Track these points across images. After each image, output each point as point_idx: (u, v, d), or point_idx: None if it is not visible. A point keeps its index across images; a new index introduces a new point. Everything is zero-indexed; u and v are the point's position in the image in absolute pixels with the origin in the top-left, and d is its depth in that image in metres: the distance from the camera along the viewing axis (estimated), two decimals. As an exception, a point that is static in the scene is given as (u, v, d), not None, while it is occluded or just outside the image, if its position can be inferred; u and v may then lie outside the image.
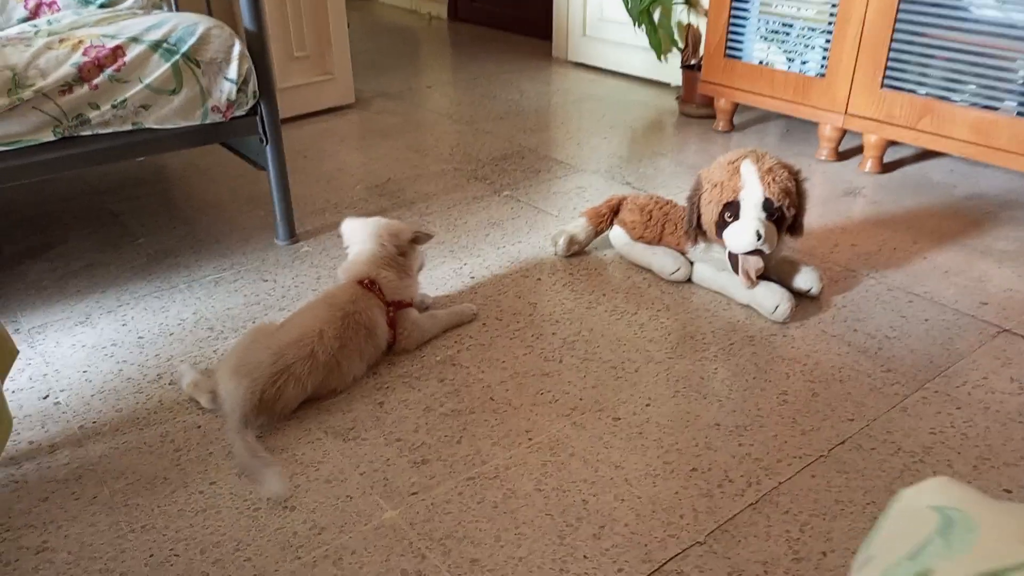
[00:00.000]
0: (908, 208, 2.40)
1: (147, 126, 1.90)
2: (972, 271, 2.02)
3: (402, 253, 1.71)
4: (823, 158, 2.77)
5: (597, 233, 2.12)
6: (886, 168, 2.69)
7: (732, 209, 1.77)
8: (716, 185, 1.79)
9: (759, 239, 1.72)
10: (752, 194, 1.74)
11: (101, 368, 1.67)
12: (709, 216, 1.81)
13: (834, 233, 2.23)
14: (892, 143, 2.64)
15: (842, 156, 2.80)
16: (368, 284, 1.64)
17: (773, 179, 1.74)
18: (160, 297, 1.94)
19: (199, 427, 1.49)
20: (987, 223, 2.29)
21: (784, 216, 1.77)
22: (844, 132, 2.70)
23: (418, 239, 1.74)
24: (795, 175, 1.79)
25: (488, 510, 1.29)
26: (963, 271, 2.03)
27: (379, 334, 1.63)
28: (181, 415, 1.52)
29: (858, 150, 2.84)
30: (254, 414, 1.42)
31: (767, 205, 1.74)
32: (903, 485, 1.33)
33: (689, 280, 1.97)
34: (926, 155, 2.82)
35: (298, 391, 1.48)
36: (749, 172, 1.76)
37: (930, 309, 1.86)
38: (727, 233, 1.78)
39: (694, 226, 1.86)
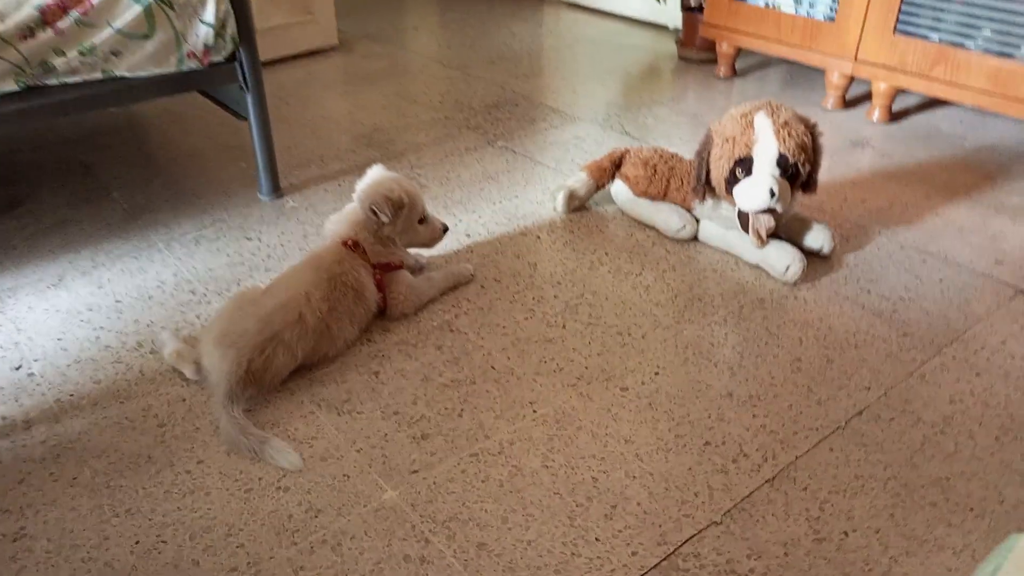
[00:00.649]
0: (918, 160, 2.31)
1: (118, 74, 1.76)
2: (986, 228, 1.95)
3: (388, 221, 1.57)
4: (829, 107, 2.67)
5: (598, 188, 2.03)
6: (894, 117, 2.59)
7: (744, 165, 1.67)
8: (728, 139, 1.69)
9: (773, 197, 1.63)
10: (766, 150, 1.65)
11: (77, 335, 1.57)
12: (719, 172, 1.72)
13: (843, 187, 2.15)
14: (902, 91, 2.54)
15: (849, 104, 2.70)
16: (352, 245, 1.55)
17: (789, 133, 1.65)
18: (138, 257, 1.83)
19: (184, 400, 1.41)
20: (1000, 177, 2.22)
21: (799, 173, 1.68)
22: (852, 79, 2.59)
23: (425, 220, 1.66)
24: (811, 129, 1.70)
25: (494, 489, 1.23)
26: (977, 228, 1.95)
27: (368, 296, 1.54)
28: (164, 387, 1.44)
29: (864, 98, 2.74)
30: (241, 387, 1.34)
31: (782, 161, 1.65)
32: (924, 458, 1.28)
33: (695, 238, 1.89)
34: (933, 103, 2.72)
35: (288, 359, 1.40)
36: (763, 126, 1.66)
37: (944, 268, 1.79)
38: (738, 190, 1.69)
39: (702, 182, 1.77)
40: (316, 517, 1.18)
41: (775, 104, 1.69)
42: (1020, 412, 1.38)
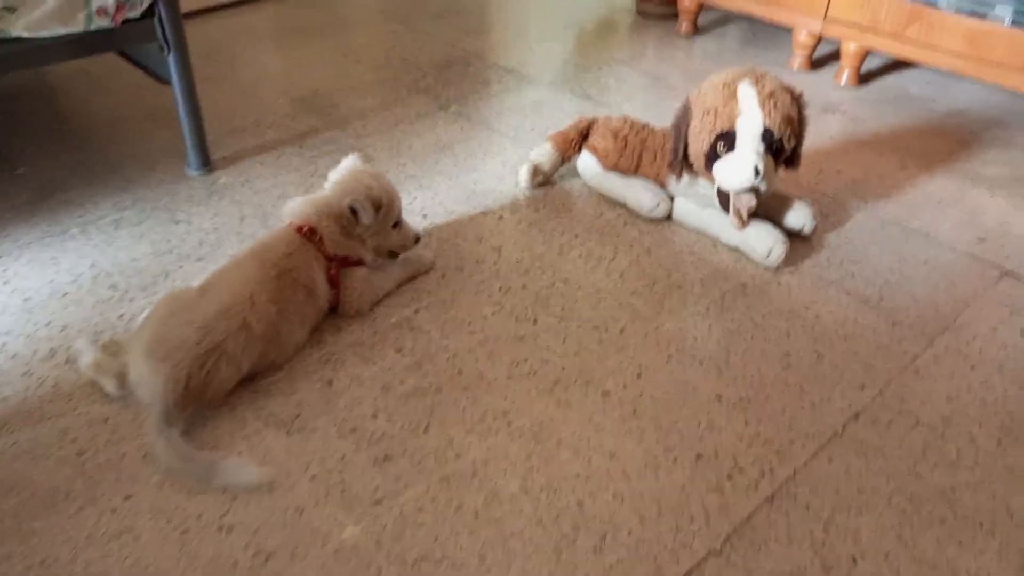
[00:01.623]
0: (890, 126, 2.22)
1: (15, 35, 1.52)
2: (965, 201, 1.88)
3: (370, 223, 1.42)
4: (796, 68, 2.55)
5: (563, 161, 1.87)
6: (862, 80, 2.49)
7: (726, 140, 1.54)
8: (708, 111, 1.55)
9: (757, 176, 1.51)
10: (751, 123, 1.52)
11: (-21, 342, 1.37)
12: (698, 147, 1.59)
13: (817, 156, 2.04)
14: (871, 52, 2.43)
15: (815, 65, 2.58)
16: (308, 232, 1.37)
17: (775, 105, 1.52)
18: (49, 245, 1.61)
19: (106, 420, 1.23)
20: (973, 144, 2.14)
21: (784, 148, 1.56)
22: (820, 39, 2.47)
23: (398, 225, 1.49)
24: (797, 99, 1.57)
25: (468, 520, 1.09)
26: (956, 201, 1.88)
27: (320, 295, 1.37)
28: (83, 404, 1.25)
29: (831, 58, 2.63)
30: (179, 408, 1.17)
31: (767, 136, 1.52)
32: (927, 467, 1.20)
33: (669, 217, 1.76)
34: (900, 64, 2.63)
35: (231, 372, 1.23)
36: (748, 97, 1.52)
37: (928, 248, 1.71)
38: (719, 167, 1.56)
39: (679, 158, 1.63)
40: (266, 562, 1.03)
41: (759, 72, 1.56)
42: (1019, 410, 1.31)
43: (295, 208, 1.42)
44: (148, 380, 1.18)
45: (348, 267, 1.40)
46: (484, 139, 2.07)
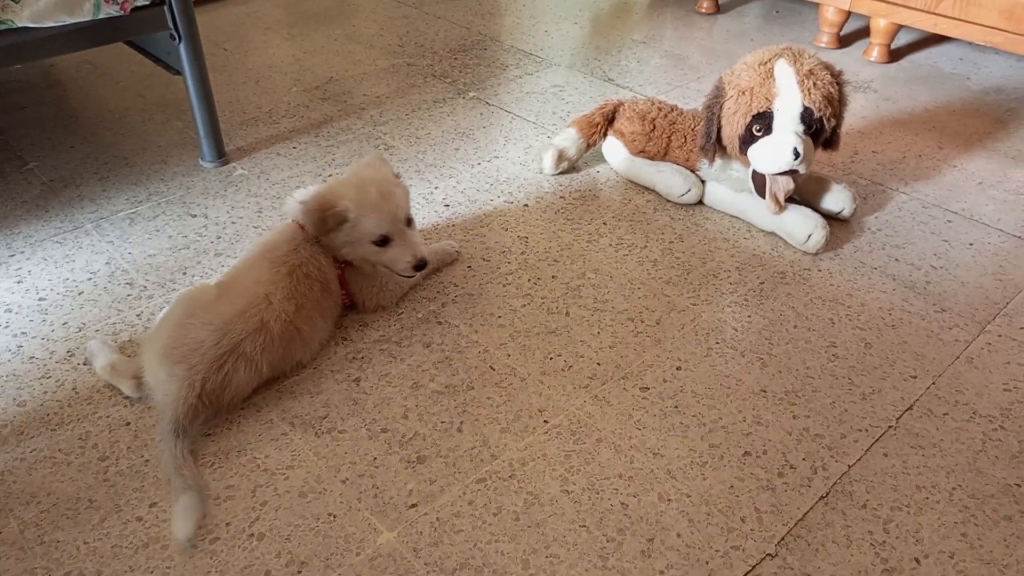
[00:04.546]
0: (924, 105, 2.15)
1: (20, 25, 1.46)
2: (1008, 181, 1.81)
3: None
4: (823, 45, 2.48)
5: (589, 146, 1.81)
6: (892, 56, 2.41)
7: (763, 121, 1.48)
8: (744, 92, 1.49)
9: (797, 159, 1.45)
10: (789, 103, 1.45)
11: (-7, 344, 1.32)
12: (732, 129, 1.52)
13: (851, 137, 1.97)
14: (902, 28, 2.35)
15: (843, 42, 2.50)
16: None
17: (814, 84, 1.45)
18: (62, 242, 1.56)
19: (128, 424, 1.18)
20: (1011, 122, 2.06)
21: (823, 128, 1.49)
22: (849, 15, 2.39)
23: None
24: (837, 77, 1.50)
25: (508, 524, 1.04)
26: (998, 182, 1.80)
27: (334, 289, 1.31)
28: (103, 407, 1.21)
29: (859, 35, 2.55)
30: (191, 416, 1.11)
31: (806, 116, 1.46)
32: (988, 461, 1.14)
33: (700, 202, 1.70)
34: (930, 40, 2.55)
35: (250, 375, 1.18)
36: (785, 75, 1.46)
37: (973, 231, 1.64)
38: (755, 150, 1.50)
39: (712, 141, 1.57)
40: (299, 572, 0.98)
41: (797, 49, 1.49)
42: (1079, 398, 1.25)
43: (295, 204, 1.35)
44: (163, 383, 1.13)
45: (353, 268, 1.33)
46: (505, 125, 2.01)
